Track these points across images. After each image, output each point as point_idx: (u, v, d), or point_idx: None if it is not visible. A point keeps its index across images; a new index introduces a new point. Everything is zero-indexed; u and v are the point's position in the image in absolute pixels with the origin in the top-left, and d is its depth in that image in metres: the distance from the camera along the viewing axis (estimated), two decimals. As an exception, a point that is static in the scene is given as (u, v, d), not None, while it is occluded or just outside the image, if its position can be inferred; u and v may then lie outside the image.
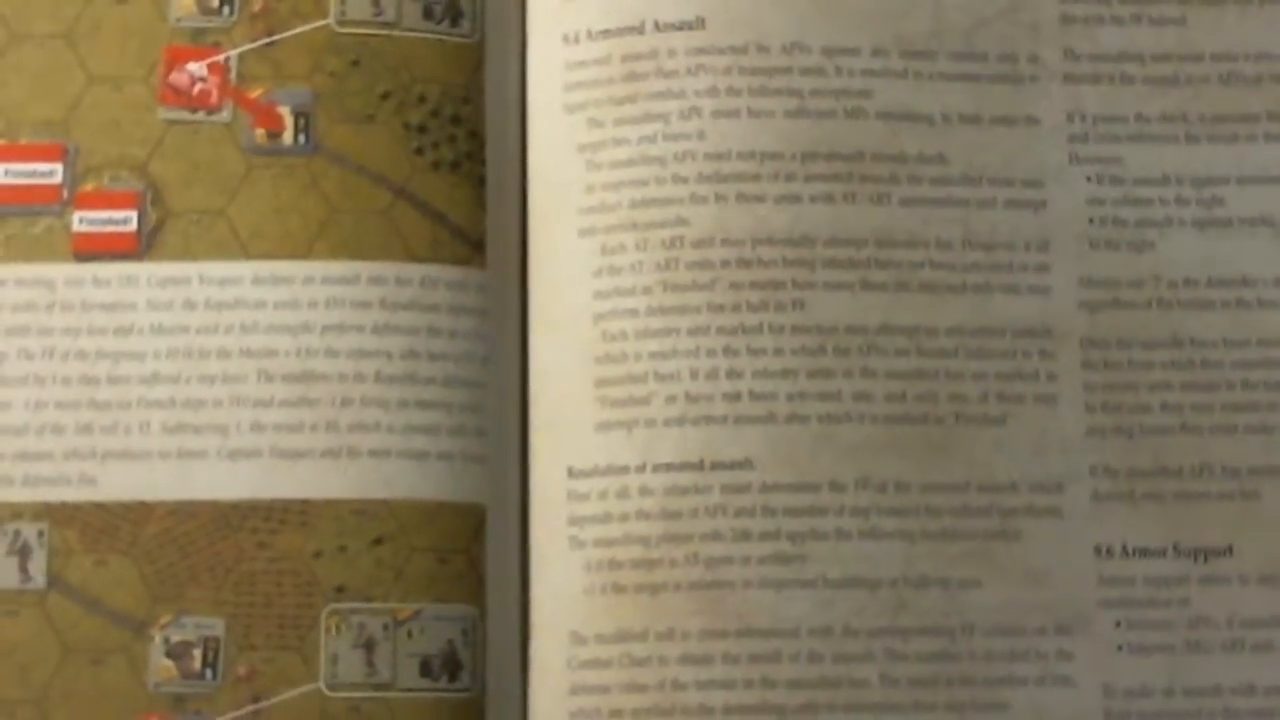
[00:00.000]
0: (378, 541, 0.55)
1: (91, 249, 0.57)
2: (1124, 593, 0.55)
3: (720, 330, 0.56)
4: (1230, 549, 0.56)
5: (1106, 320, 0.57)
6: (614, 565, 0.55)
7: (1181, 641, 0.55)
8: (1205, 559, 0.56)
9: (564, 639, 0.55)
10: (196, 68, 0.58)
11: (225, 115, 0.58)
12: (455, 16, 0.59)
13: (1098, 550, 0.56)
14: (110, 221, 0.57)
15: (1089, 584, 0.55)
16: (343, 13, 0.58)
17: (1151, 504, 0.56)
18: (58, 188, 0.57)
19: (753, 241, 0.57)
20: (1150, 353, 0.57)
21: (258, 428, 0.55)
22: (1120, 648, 0.55)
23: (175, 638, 0.54)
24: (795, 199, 0.57)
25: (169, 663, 0.54)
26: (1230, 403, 0.57)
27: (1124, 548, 0.56)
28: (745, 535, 0.55)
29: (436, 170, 0.58)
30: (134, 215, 0.57)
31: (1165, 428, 0.57)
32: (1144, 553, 0.56)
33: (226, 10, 0.58)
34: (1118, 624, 0.55)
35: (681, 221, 0.57)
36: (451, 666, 0.55)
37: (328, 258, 0.56)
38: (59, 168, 0.57)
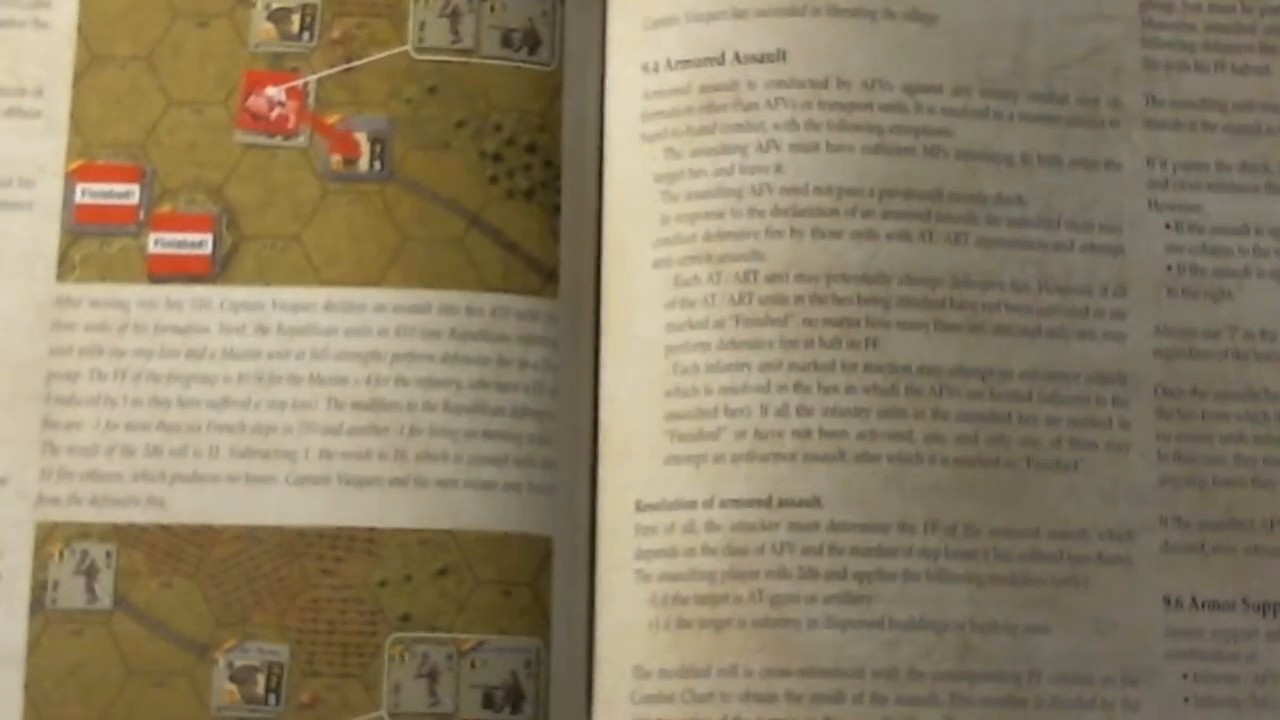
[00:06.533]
0: (443, 572, 0.55)
1: (166, 271, 0.56)
2: (1192, 645, 0.55)
3: (792, 366, 0.56)
4: (1300, 604, 0.56)
5: (1181, 369, 0.57)
6: (679, 600, 0.55)
7: (1248, 696, 0.55)
8: (1275, 614, 0.55)
9: (628, 672, 0.55)
10: (275, 92, 0.57)
11: (302, 140, 0.57)
12: (534, 45, 0.58)
13: (1167, 601, 0.55)
14: (185, 244, 0.57)
15: (1157, 635, 0.55)
16: (421, 40, 0.58)
17: (1222, 556, 0.56)
18: (134, 208, 0.57)
19: (827, 278, 0.56)
20: (1224, 404, 0.57)
21: (326, 455, 0.55)
22: (1187, 700, 0.55)
23: (239, 662, 0.54)
24: (871, 236, 0.56)
25: (232, 687, 0.54)
26: (1304, 456, 0.57)
27: (1193, 600, 0.55)
28: (811, 574, 0.55)
29: (511, 199, 0.57)
30: (209, 238, 0.57)
31: (1237, 480, 0.56)
32: (1213, 605, 0.55)
33: (306, 36, 0.58)
34: (1185, 676, 0.55)
35: (756, 255, 0.56)
36: (514, 698, 0.55)
37: (400, 285, 0.56)
38: (136, 189, 0.57)
